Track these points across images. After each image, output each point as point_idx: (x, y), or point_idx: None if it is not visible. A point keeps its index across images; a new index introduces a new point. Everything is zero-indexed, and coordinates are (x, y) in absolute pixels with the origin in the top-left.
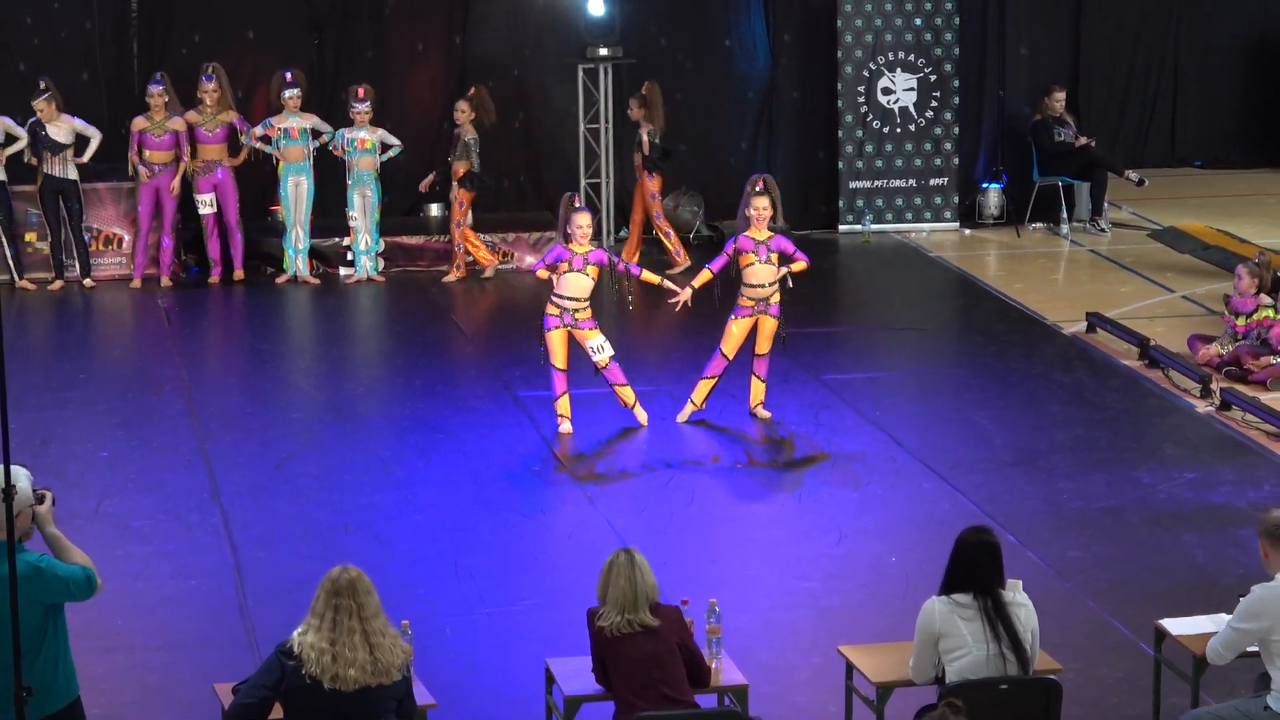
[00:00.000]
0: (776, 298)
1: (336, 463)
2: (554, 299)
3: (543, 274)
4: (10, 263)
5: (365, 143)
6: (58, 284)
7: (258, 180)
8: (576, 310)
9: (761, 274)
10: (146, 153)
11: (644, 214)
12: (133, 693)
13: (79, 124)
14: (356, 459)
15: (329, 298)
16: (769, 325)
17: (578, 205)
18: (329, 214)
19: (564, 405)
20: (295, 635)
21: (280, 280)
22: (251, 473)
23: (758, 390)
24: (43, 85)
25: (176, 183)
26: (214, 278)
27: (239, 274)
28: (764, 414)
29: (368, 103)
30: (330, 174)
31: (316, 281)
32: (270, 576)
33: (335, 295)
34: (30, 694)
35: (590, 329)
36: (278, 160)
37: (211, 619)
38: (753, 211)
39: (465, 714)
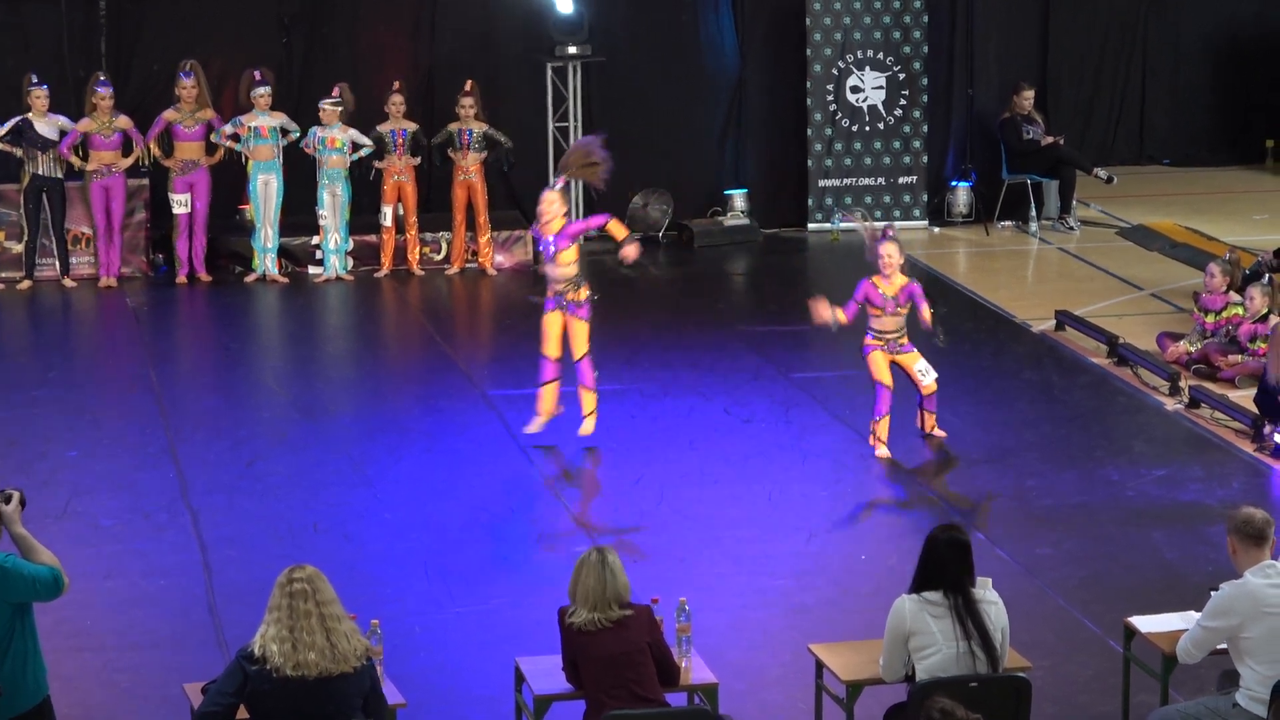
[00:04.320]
0: (904, 339)
1: (306, 462)
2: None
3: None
4: None
5: (336, 141)
6: (26, 283)
7: (227, 179)
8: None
9: (888, 323)
10: (94, 153)
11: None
12: (102, 692)
13: (63, 120)
14: (326, 458)
15: (298, 297)
16: (907, 359)
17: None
18: (298, 213)
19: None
20: (256, 638)
21: (249, 279)
22: (221, 472)
23: (929, 417)
24: (35, 79)
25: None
26: (181, 277)
27: (204, 276)
28: (939, 434)
29: (338, 101)
30: (299, 173)
31: (285, 280)
32: (240, 575)
33: (304, 294)
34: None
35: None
36: (246, 159)
37: (181, 618)
38: (881, 259)
39: (435, 713)
